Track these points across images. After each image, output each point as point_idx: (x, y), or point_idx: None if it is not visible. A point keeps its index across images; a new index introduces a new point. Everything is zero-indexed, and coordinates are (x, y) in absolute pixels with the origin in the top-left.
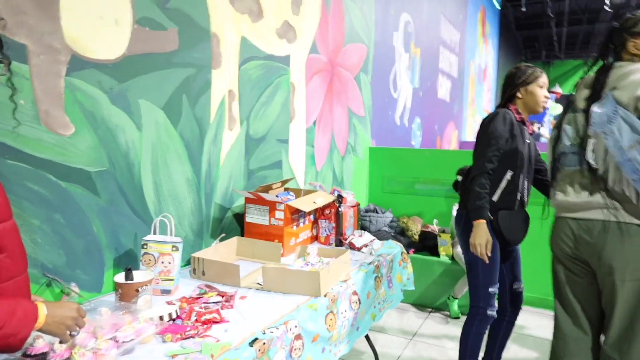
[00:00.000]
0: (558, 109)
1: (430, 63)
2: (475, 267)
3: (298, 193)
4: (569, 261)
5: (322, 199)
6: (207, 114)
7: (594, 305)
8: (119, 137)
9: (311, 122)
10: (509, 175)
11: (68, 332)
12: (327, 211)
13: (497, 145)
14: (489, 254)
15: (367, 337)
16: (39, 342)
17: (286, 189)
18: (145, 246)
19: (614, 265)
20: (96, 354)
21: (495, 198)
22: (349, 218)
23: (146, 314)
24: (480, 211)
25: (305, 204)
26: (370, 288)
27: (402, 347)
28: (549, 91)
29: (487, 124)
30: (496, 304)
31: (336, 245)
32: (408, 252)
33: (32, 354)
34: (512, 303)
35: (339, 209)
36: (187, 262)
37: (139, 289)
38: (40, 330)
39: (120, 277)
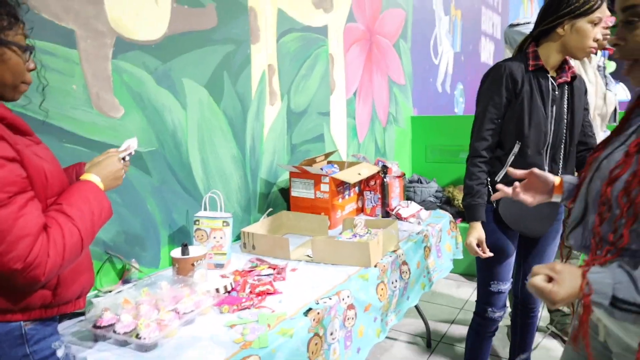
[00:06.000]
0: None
1: (472, 25)
2: (477, 262)
3: (342, 165)
4: None
5: (366, 170)
6: (248, 90)
7: None
8: (166, 117)
9: (351, 93)
10: (516, 148)
11: (123, 175)
12: (372, 182)
13: (490, 115)
14: (484, 252)
15: (417, 307)
16: (107, 314)
17: (330, 162)
18: (197, 222)
19: None
20: (160, 325)
21: (498, 179)
22: (394, 189)
23: (203, 286)
24: (472, 211)
25: (350, 175)
26: (420, 258)
27: (452, 316)
28: (604, 48)
29: (481, 85)
30: (503, 304)
31: (383, 217)
32: (456, 222)
33: (102, 325)
34: (522, 299)
35: (385, 180)
36: (237, 237)
37: (195, 263)
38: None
39: (176, 252)
